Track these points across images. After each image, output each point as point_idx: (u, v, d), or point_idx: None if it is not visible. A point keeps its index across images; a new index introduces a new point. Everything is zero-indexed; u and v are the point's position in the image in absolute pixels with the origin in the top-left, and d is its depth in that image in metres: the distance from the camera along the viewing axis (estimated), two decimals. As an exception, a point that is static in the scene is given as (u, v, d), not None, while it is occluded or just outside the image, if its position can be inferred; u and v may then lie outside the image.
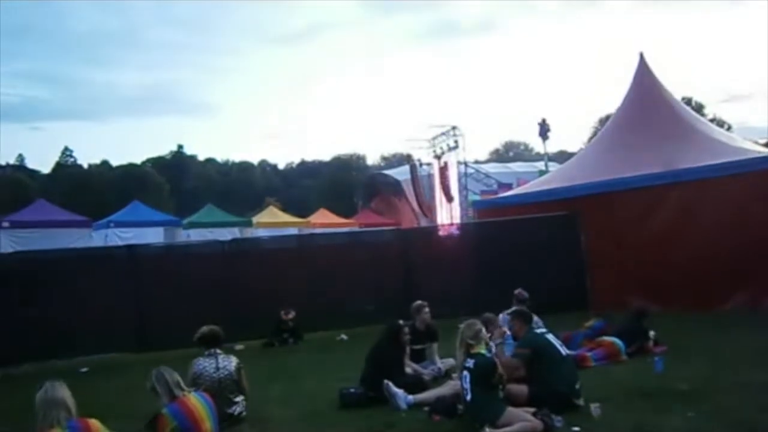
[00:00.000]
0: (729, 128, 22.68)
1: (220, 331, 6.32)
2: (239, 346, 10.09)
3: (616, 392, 6.04)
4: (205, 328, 6.32)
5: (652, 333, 7.93)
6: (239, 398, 6.05)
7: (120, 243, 18.66)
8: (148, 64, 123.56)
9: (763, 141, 26.26)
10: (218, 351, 6.12)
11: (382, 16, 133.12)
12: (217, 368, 5.96)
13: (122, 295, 10.98)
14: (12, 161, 71.76)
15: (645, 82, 14.04)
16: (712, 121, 18.26)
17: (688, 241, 11.14)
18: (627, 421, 5.14)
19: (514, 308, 6.85)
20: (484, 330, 5.68)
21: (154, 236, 21.64)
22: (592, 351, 7.62)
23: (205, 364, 5.96)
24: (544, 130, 30.02)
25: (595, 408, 5.30)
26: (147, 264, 11.74)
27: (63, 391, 4.14)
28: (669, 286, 11.04)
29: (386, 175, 36.56)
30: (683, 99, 16.02)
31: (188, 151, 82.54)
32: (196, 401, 4.75)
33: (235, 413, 5.96)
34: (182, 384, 4.86)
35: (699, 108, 27.78)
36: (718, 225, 10.87)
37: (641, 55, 14.39)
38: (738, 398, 5.60)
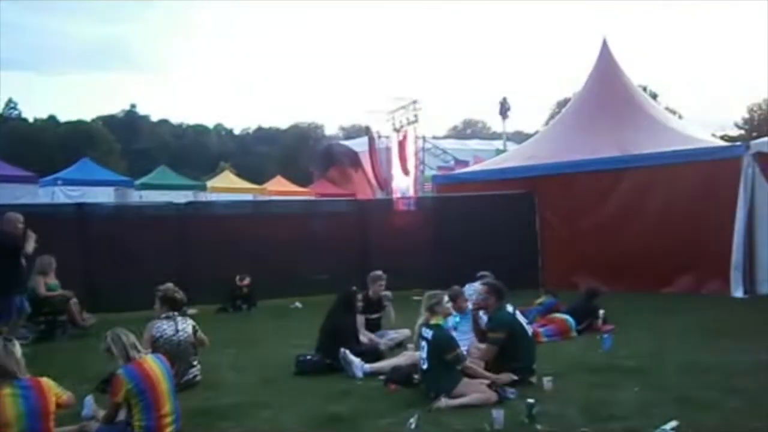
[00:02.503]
0: (680, 117, 23.39)
1: (183, 295, 6.22)
2: (192, 311, 9.90)
3: (567, 367, 6.23)
4: (170, 287, 6.16)
5: (601, 312, 8.20)
6: (196, 362, 6.00)
7: (68, 201, 18.02)
8: (102, 17, 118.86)
9: (720, 134, 27.13)
10: (176, 314, 6.04)
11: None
12: (177, 331, 5.90)
13: (70, 255, 10.58)
14: (-49, 110, 68.27)
15: (607, 67, 14.26)
16: (665, 109, 18.73)
17: (638, 225, 11.49)
18: (577, 395, 5.31)
19: (488, 279, 6.83)
20: (444, 302, 5.73)
21: (104, 196, 21.01)
22: (544, 327, 7.83)
23: (164, 326, 5.87)
24: (504, 109, 30.24)
25: (547, 381, 5.47)
26: (98, 224, 11.42)
27: (11, 355, 4.05)
28: (618, 267, 11.38)
29: (343, 146, 36.29)
30: (639, 86, 16.34)
31: (141, 111, 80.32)
32: (153, 363, 4.67)
33: (191, 377, 5.92)
34: (139, 346, 4.79)
35: (653, 96, 28.37)
36: (666, 211, 11.24)
37: (604, 41, 14.59)
38: (682, 375, 5.84)
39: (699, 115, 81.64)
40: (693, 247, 10.93)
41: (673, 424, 4.33)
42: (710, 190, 10.88)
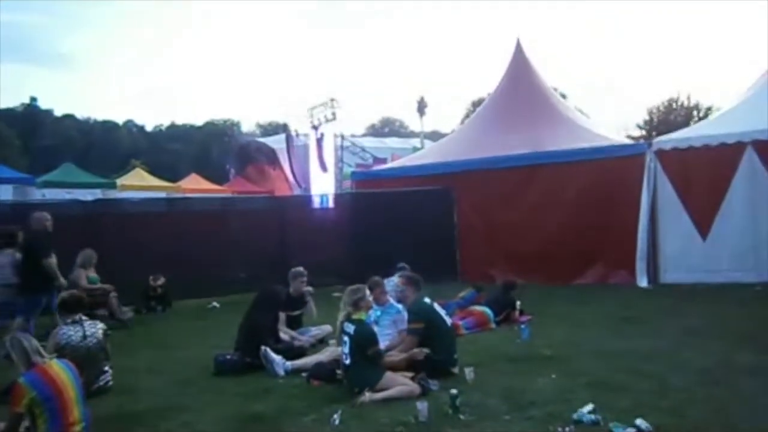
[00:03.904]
0: (588, 117, 24.49)
1: (84, 295, 5.93)
2: (102, 312, 9.50)
3: (487, 358, 6.36)
4: (65, 293, 5.92)
5: (518, 303, 8.43)
6: (107, 368, 5.69)
7: (-40, 200, 16.71)
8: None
9: (623, 134, 28.52)
10: (83, 317, 5.70)
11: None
12: (85, 336, 5.55)
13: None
14: None
15: (520, 68, 14.67)
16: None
17: (551, 219, 11.87)
18: (498, 384, 5.42)
19: (405, 272, 6.89)
20: (367, 296, 5.72)
21: (1, 194, 19.69)
22: (464, 319, 7.96)
23: (70, 332, 5.51)
24: (421, 107, 30.67)
25: (469, 372, 5.55)
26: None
27: None
28: (532, 260, 11.74)
29: (261, 143, 35.71)
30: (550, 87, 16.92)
31: (43, 104, 75.87)
32: (59, 368, 4.37)
33: (102, 383, 5.61)
34: (42, 351, 4.47)
35: (562, 97, 29.53)
36: (577, 206, 11.66)
37: (518, 42, 15.01)
38: (594, 361, 6.09)
39: (603, 115, 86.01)
40: (601, 239, 11.43)
41: (590, 407, 4.49)
42: (617, 186, 11.40)
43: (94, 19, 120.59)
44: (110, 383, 5.75)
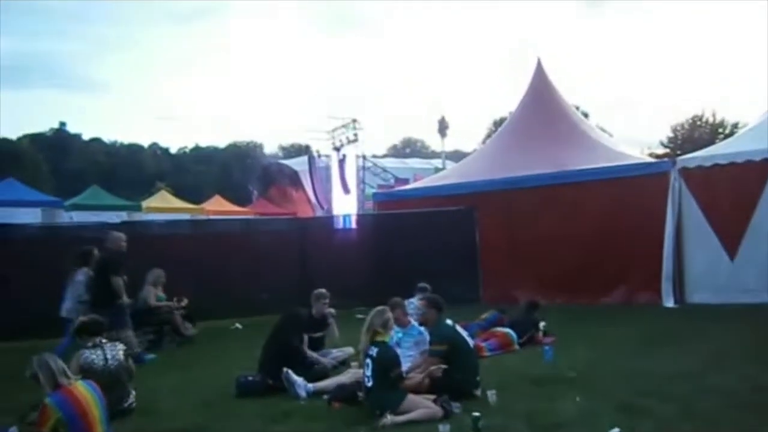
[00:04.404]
0: (610, 135, 24.33)
1: (101, 319, 6.01)
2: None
3: (510, 380, 6.29)
4: (84, 318, 6.01)
5: (542, 324, 8.33)
6: (131, 388, 5.74)
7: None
8: (29, 31, 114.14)
9: (647, 152, 28.26)
10: (103, 340, 5.76)
11: (286, 2, 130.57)
12: (106, 359, 5.59)
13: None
14: None
15: (541, 87, 14.68)
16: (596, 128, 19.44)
17: (574, 239, 11.75)
18: (521, 407, 5.35)
19: (427, 294, 6.89)
20: (392, 320, 5.72)
21: (30, 217, 20.07)
22: (487, 341, 7.89)
23: (92, 356, 5.55)
24: (443, 127, 30.80)
25: (491, 394, 5.50)
26: (20, 246, 10.88)
27: None
28: (555, 280, 11.63)
29: (283, 165, 36.06)
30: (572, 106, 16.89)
31: (71, 129, 77.59)
32: (84, 390, 4.44)
33: (126, 405, 5.65)
34: (68, 372, 4.53)
35: (584, 116, 29.42)
36: (599, 225, 11.54)
37: (539, 61, 15.04)
38: (619, 383, 6.00)
39: (626, 134, 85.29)
40: (626, 259, 11.28)
41: (615, 431, 4.41)
42: (640, 204, 11.28)
43: (122, 45, 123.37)
44: (134, 405, 5.79)
